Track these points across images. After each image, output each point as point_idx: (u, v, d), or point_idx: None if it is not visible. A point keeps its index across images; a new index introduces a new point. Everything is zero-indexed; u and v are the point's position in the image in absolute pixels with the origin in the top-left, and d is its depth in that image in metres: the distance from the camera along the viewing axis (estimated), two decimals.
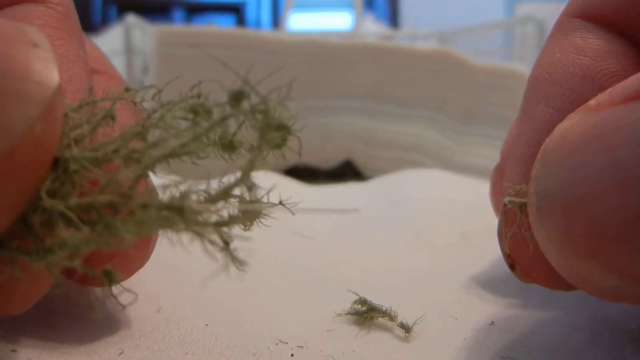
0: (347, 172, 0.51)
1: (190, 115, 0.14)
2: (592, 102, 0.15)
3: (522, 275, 0.18)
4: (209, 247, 0.13)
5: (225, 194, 0.13)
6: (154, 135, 0.14)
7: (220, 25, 0.65)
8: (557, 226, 0.14)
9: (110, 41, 0.58)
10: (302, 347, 0.18)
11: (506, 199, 0.17)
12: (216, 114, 0.14)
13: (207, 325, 0.19)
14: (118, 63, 0.50)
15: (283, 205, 0.15)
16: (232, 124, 0.14)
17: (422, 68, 0.52)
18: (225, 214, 0.13)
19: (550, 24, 0.21)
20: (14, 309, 0.15)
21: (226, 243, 0.13)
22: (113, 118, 0.15)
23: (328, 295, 0.23)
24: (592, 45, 0.19)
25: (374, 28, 1.24)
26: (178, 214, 0.13)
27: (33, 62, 0.12)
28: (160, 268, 0.22)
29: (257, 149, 0.14)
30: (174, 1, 2.42)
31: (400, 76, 0.52)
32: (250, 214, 0.14)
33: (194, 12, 2.44)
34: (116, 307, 0.18)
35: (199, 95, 0.14)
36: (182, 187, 0.13)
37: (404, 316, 0.20)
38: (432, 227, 0.31)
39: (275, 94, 0.14)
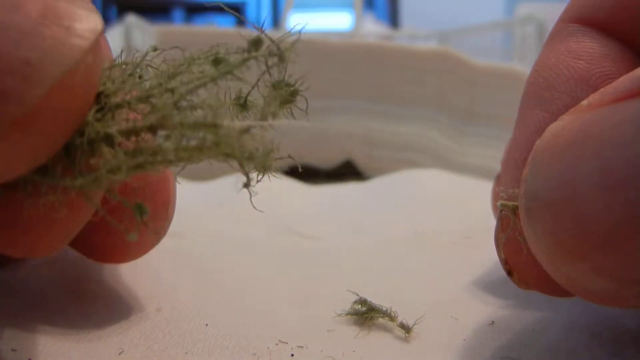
0: (347, 172, 0.51)
1: (212, 65, 0.16)
2: (584, 102, 0.15)
3: (519, 281, 0.18)
4: (239, 166, 0.15)
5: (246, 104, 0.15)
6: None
7: (220, 25, 0.64)
8: (546, 228, 0.14)
9: (110, 41, 0.58)
10: (302, 347, 0.18)
11: (499, 203, 0.17)
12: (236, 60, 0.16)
13: (207, 325, 0.19)
14: None
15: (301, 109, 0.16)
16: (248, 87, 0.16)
17: (422, 68, 0.52)
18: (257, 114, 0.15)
19: (550, 24, 0.21)
20: (46, 248, 0.16)
21: (254, 150, 0.15)
22: (141, 77, 0.16)
23: (328, 296, 0.23)
24: (587, 48, 0.19)
25: (374, 28, 1.24)
26: (212, 133, 0.14)
27: (77, 9, 0.14)
28: (160, 268, 0.22)
29: (271, 98, 0.15)
30: (174, 1, 2.42)
31: (400, 76, 0.52)
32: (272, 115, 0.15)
33: (194, 12, 2.44)
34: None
35: (216, 52, 0.16)
36: (215, 108, 0.14)
37: (404, 316, 0.20)
38: (432, 227, 0.31)
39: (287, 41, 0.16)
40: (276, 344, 0.18)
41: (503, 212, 0.17)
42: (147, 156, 0.14)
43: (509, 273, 0.18)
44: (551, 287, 0.17)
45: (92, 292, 0.21)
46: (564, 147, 0.14)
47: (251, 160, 0.14)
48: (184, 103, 0.15)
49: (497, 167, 0.25)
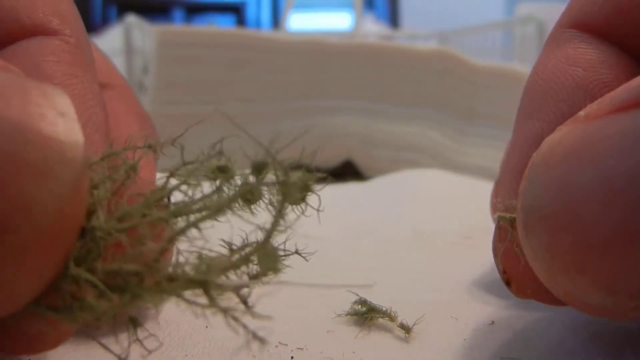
0: (347, 172, 0.51)
1: (212, 175, 0.15)
2: (582, 113, 0.14)
3: (517, 291, 0.18)
4: (232, 322, 0.14)
5: (246, 259, 0.14)
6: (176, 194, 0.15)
7: (220, 25, 0.65)
8: (543, 241, 0.14)
9: (110, 41, 0.58)
10: (302, 349, 0.18)
11: (496, 215, 0.17)
12: (236, 171, 0.15)
13: (207, 327, 0.19)
14: (118, 63, 0.50)
15: (299, 254, 0.15)
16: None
17: (422, 68, 0.52)
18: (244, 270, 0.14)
19: (550, 24, 0.21)
20: (41, 350, 0.15)
21: (245, 303, 0.14)
22: (135, 171, 0.15)
23: (328, 296, 0.23)
24: (585, 55, 0.18)
25: (374, 28, 1.24)
26: (202, 288, 0.13)
27: (60, 134, 0.12)
28: None
29: (279, 213, 0.14)
30: (174, 1, 2.42)
31: (400, 76, 0.52)
32: (268, 275, 0.14)
33: (194, 12, 2.44)
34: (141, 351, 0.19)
35: (220, 153, 0.15)
36: (206, 258, 0.14)
37: (404, 316, 0.20)
38: (432, 227, 0.31)
39: (297, 165, 0.14)
40: (276, 346, 0.18)
41: (501, 223, 0.17)
42: (131, 301, 0.13)
43: (507, 283, 0.18)
44: (549, 297, 0.16)
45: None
46: (562, 158, 0.14)
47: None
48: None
49: (497, 167, 0.25)
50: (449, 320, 0.21)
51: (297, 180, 0.14)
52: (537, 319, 0.20)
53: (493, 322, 0.20)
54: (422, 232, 0.31)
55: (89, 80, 0.18)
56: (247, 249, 0.14)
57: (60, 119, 0.12)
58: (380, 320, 0.20)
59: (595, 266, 0.13)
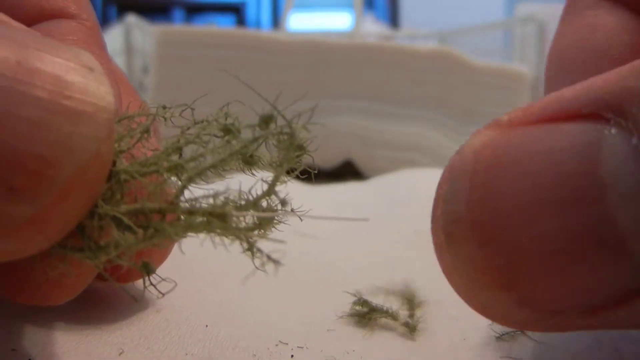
0: (347, 172, 0.51)
1: (221, 134, 0.16)
2: (505, 117, 0.14)
3: None
4: (246, 247, 0.15)
5: (254, 204, 0.15)
6: (190, 149, 0.16)
7: (220, 25, 0.64)
8: (469, 254, 0.13)
9: (110, 41, 0.58)
10: (302, 347, 0.18)
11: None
12: (244, 132, 0.16)
13: (207, 326, 0.19)
14: (118, 63, 0.50)
15: (294, 212, 0.16)
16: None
17: (422, 68, 0.52)
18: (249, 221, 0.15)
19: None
20: (59, 300, 0.17)
21: (251, 245, 0.15)
22: (149, 132, 0.16)
23: (328, 296, 0.23)
24: (604, 22, 0.19)
25: (374, 28, 1.24)
26: (220, 220, 0.14)
27: (92, 86, 0.13)
28: (160, 269, 0.22)
29: (280, 166, 0.15)
30: (174, 1, 2.42)
31: (400, 76, 0.52)
32: (269, 221, 0.16)
33: (194, 12, 2.44)
34: (152, 297, 0.20)
35: (227, 115, 0.16)
36: (221, 197, 0.15)
37: (403, 316, 0.20)
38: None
39: (298, 118, 0.16)
40: (276, 345, 0.18)
41: None
42: (154, 236, 0.14)
43: None
44: None
45: (93, 293, 0.21)
46: (488, 164, 0.13)
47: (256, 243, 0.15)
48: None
49: None
50: (449, 320, 0.21)
51: (300, 129, 0.15)
52: None
53: (493, 322, 0.20)
54: (421, 232, 0.31)
55: (105, 59, 0.20)
56: (256, 195, 0.15)
57: (90, 72, 0.13)
58: (381, 319, 0.20)
59: (523, 284, 0.12)
